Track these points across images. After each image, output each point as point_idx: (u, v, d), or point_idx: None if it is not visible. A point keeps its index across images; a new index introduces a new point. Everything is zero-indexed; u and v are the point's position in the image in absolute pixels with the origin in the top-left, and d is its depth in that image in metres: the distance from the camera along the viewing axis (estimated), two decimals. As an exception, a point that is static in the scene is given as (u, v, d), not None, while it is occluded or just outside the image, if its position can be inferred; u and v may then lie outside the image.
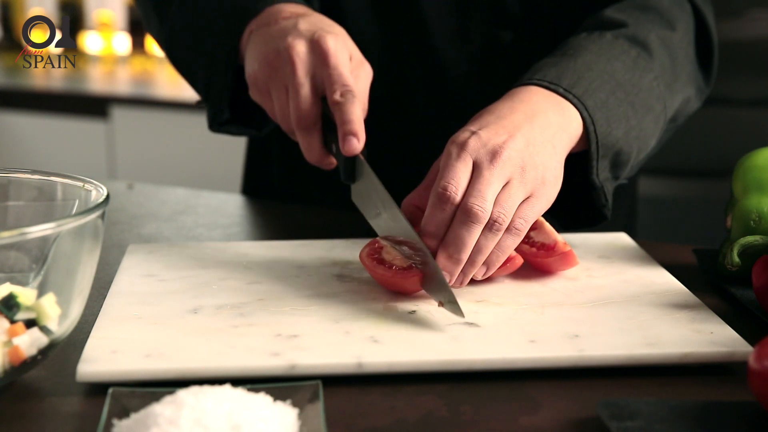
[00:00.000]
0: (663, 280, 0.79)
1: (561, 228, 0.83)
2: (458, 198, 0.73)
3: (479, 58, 1.03)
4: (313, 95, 0.82)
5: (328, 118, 0.82)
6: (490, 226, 0.73)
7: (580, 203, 0.87)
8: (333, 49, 0.81)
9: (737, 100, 1.77)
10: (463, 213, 0.72)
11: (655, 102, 0.89)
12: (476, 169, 0.74)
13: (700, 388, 0.62)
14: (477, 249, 0.73)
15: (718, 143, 1.75)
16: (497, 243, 0.74)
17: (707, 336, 0.66)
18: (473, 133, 0.75)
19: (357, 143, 0.78)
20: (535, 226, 0.82)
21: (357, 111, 0.79)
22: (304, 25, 0.84)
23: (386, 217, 0.78)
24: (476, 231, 0.72)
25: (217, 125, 0.95)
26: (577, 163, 0.84)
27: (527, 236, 0.81)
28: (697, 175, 1.83)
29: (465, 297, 0.74)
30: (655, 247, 0.89)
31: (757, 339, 0.60)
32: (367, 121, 0.83)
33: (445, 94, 1.04)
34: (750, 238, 0.77)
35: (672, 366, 0.64)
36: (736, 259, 0.76)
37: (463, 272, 0.73)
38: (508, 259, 0.77)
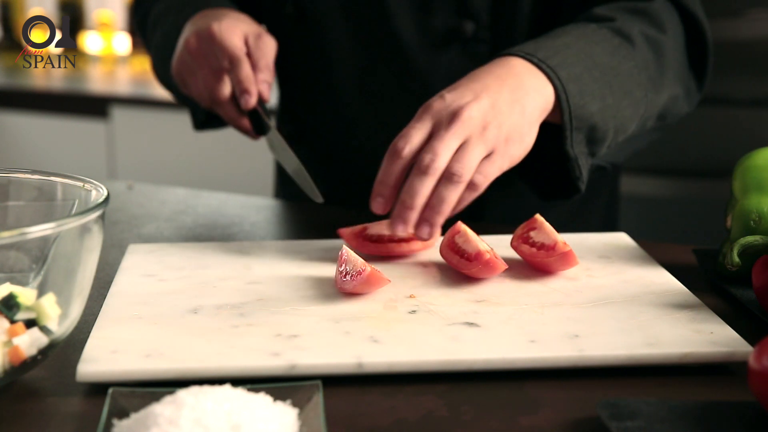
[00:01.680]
0: (663, 280, 0.79)
1: (539, 199, 0.85)
2: (406, 152, 0.78)
3: (442, 48, 1.05)
4: (211, 74, 0.95)
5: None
6: (449, 177, 0.77)
7: (557, 177, 0.91)
8: (217, 32, 0.94)
9: (737, 100, 1.77)
10: (415, 166, 0.78)
11: (636, 88, 0.92)
12: (435, 130, 0.79)
13: (700, 388, 0.62)
14: (439, 198, 0.77)
15: (717, 143, 1.75)
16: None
17: (707, 336, 0.66)
18: (440, 96, 0.81)
19: (249, 98, 0.93)
20: (534, 226, 0.82)
21: (245, 71, 0.93)
22: (201, 21, 0.97)
23: (285, 161, 0.95)
24: (427, 182, 0.77)
25: (199, 124, 1.12)
26: (554, 136, 0.88)
27: (527, 236, 0.82)
28: (697, 175, 1.83)
29: (465, 297, 0.74)
30: (655, 247, 0.89)
31: (757, 339, 0.60)
32: (339, 113, 1.00)
33: (412, 84, 1.07)
34: (750, 238, 0.77)
35: (672, 366, 0.64)
36: (736, 259, 0.76)
37: (428, 221, 0.78)
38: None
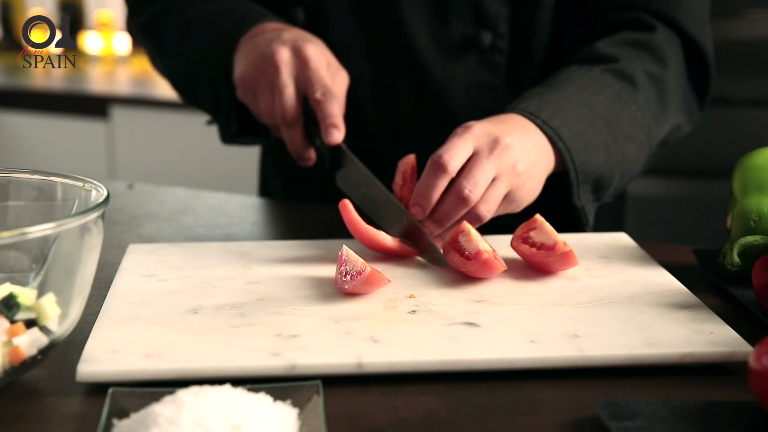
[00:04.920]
0: (663, 280, 0.79)
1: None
2: (451, 168, 0.80)
3: (459, 58, 1.05)
4: (296, 94, 0.92)
5: (309, 116, 0.93)
6: (475, 217, 0.81)
7: (563, 216, 0.93)
8: (312, 55, 0.92)
9: (737, 100, 1.77)
10: (456, 195, 0.80)
11: (639, 131, 0.95)
12: (475, 154, 0.81)
13: (700, 388, 0.62)
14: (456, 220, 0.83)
15: (718, 143, 1.75)
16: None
17: (707, 336, 0.66)
18: (478, 122, 0.83)
19: (338, 133, 0.90)
20: (534, 226, 0.82)
21: (336, 107, 0.90)
22: (287, 35, 0.94)
23: (371, 193, 0.88)
24: (464, 211, 0.81)
25: (229, 137, 1.05)
26: (561, 185, 0.91)
27: (527, 236, 0.82)
28: (697, 175, 1.83)
29: (465, 297, 0.74)
30: (655, 247, 0.89)
31: (757, 339, 0.60)
32: (353, 124, 0.96)
33: (427, 92, 1.07)
34: (750, 238, 0.77)
35: (672, 366, 0.64)
36: (736, 259, 0.76)
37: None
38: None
